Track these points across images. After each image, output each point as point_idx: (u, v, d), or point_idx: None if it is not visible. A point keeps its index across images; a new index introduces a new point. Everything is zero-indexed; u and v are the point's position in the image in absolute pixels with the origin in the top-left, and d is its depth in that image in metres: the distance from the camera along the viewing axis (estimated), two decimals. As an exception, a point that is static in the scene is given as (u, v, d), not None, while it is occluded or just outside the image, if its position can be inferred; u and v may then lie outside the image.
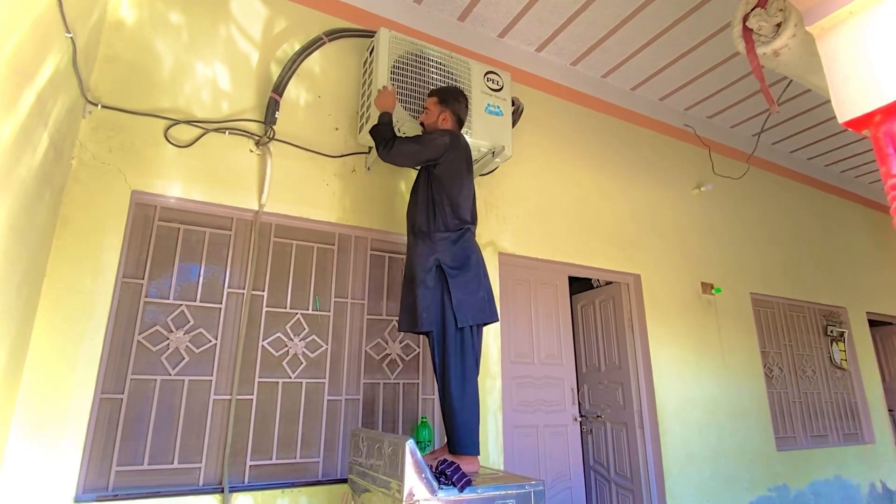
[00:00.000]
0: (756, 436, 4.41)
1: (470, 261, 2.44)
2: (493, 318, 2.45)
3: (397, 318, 2.68)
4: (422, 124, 2.84)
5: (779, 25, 1.61)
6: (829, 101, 1.51)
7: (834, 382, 5.40)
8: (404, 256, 3.21)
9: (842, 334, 5.58)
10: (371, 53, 3.09)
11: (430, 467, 1.91)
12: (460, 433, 2.23)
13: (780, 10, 1.60)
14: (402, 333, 3.10)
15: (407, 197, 3.20)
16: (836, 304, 5.65)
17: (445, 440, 2.33)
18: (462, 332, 2.33)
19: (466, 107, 2.86)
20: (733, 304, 4.68)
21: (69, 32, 2.00)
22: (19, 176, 1.78)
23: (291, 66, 2.98)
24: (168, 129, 2.65)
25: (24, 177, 1.83)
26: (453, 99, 2.75)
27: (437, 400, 2.75)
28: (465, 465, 2.16)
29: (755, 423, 4.44)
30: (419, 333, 2.56)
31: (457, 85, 3.08)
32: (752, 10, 1.69)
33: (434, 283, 2.38)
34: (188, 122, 2.71)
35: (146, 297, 2.52)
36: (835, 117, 1.44)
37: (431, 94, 2.82)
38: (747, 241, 5.06)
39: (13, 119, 1.64)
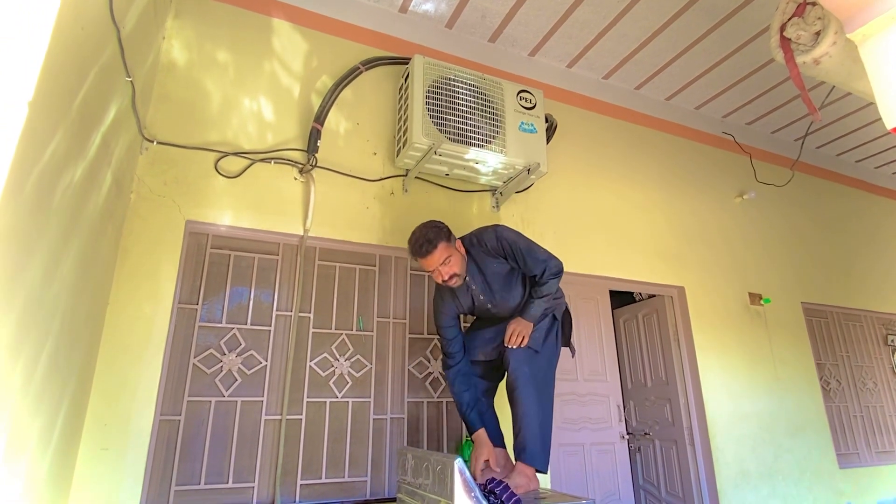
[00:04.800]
0: (815, 453, 4.20)
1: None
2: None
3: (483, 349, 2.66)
4: (455, 274, 2.39)
5: (818, 34, 1.59)
6: (874, 103, 1.48)
7: (898, 395, 5.11)
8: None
9: (904, 343, 5.29)
10: (406, 79, 3.18)
11: (480, 486, 1.92)
12: (541, 446, 2.28)
13: (819, 18, 1.58)
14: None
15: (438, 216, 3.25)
16: (896, 312, 5.38)
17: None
18: (559, 350, 2.56)
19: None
20: (784, 314, 4.51)
21: (129, 76, 2.15)
22: (86, 213, 1.91)
23: (331, 96, 3.10)
24: (218, 161, 2.80)
25: (91, 213, 1.96)
26: (445, 236, 2.39)
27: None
28: (527, 479, 2.21)
29: (814, 439, 4.24)
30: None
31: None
32: (790, 19, 1.68)
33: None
34: (236, 154, 2.85)
35: (200, 321, 2.63)
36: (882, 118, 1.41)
37: (431, 245, 2.33)
38: (795, 249, 4.89)
39: (83, 162, 1.77)
